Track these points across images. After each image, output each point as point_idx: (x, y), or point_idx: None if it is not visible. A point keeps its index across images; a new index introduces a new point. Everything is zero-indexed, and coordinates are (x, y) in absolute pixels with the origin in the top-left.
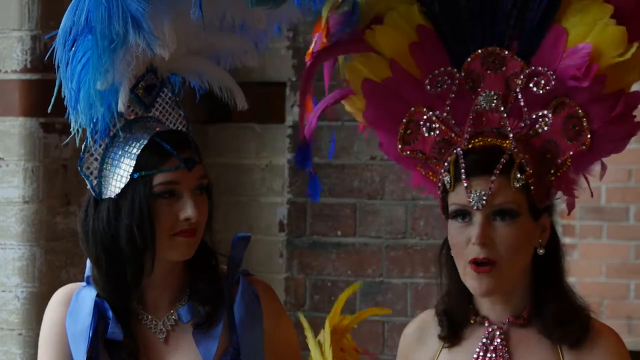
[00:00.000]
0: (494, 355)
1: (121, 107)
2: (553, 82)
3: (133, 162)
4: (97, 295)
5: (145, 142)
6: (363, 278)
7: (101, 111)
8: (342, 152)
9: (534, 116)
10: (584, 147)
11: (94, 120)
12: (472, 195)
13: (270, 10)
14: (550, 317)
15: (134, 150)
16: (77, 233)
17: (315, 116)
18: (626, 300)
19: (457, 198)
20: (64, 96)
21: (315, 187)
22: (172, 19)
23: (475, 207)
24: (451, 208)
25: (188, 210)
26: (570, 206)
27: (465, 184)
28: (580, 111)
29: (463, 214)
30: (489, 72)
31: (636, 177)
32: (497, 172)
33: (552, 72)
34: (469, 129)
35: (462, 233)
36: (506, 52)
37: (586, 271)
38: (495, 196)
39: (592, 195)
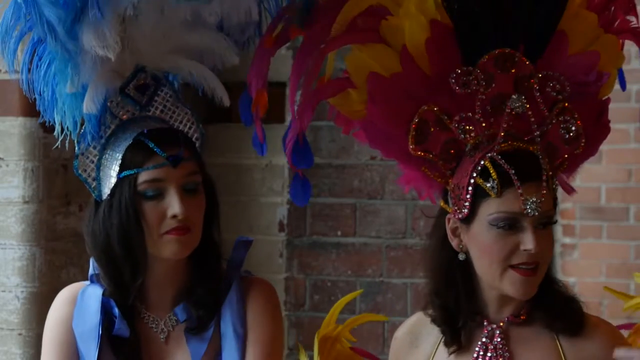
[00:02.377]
0: (494, 354)
1: (85, 108)
2: (569, 88)
3: (119, 162)
4: (103, 293)
5: (130, 141)
6: (363, 278)
7: (82, 115)
8: (342, 152)
9: (554, 121)
10: (577, 150)
11: (79, 124)
12: (528, 202)
13: (201, 5)
14: (551, 308)
15: (121, 150)
16: (77, 233)
17: (310, 110)
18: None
19: (506, 205)
20: (42, 104)
21: (299, 189)
22: (115, 22)
23: (531, 214)
24: (496, 216)
25: (175, 207)
26: None
27: (520, 191)
28: (576, 116)
29: (511, 221)
30: (499, 72)
31: (636, 177)
32: (545, 177)
33: (564, 77)
34: (502, 133)
35: (506, 240)
36: (519, 55)
37: (586, 271)
38: (544, 203)
39: (570, 194)
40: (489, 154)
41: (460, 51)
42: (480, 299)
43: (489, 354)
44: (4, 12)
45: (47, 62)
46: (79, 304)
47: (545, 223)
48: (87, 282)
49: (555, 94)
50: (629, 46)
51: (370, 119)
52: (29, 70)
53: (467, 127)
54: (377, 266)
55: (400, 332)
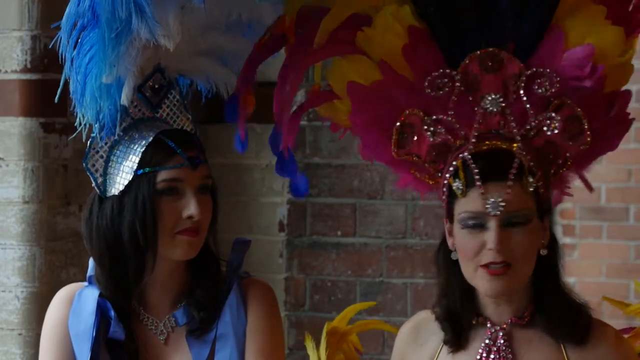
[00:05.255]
0: (497, 355)
1: (124, 100)
2: (558, 85)
3: (137, 159)
4: (100, 295)
5: (150, 139)
6: (363, 278)
7: (107, 106)
8: (342, 152)
9: (540, 118)
10: (584, 147)
11: (100, 116)
12: (489, 201)
13: (277, 4)
14: (554, 316)
15: (139, 148)
16: (77, 233)
17: (296, 122)
18: (626, 300)
19: (471, 205)
20: (71, 91)
21: (299, 184)
22: (178, 11)
23: (492, 214)
24: (462, 216)
25: (191, 208)
26: (557, 202)
27: (481, 190)
28: (580, 112)
29: (476, 220)
30: (487, 73)
31: (636, 177)
32: (512, 177)
33: (555, 74)
34: (475, 133)
35: (474, 239)
36: (504, 54)
37: (586, 271)
38: (511, 202)
39: (591, 191)
40: (461, 155)
41: (443, 54)
42: (478, 299)
43: (492, 356)
44: (72, 4)
45: (86, 51)
46: (75, 304)
47: (515, 223)
48: (85, 283)
49: (542, 91)
50: None
51: (354, 127)
52: (72, 58)
53: (437, 129)
54: (377, 266)
55: (406, 328)
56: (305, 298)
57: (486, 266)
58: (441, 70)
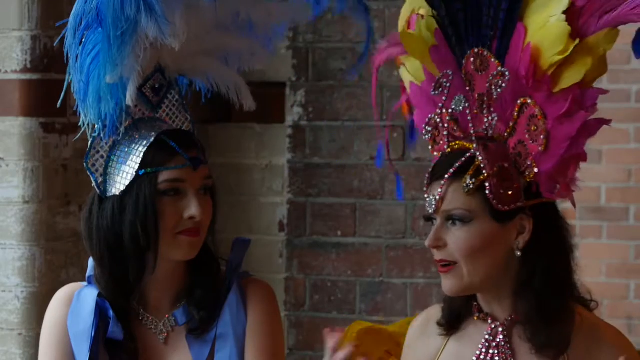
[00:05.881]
0: (496, 351)
1: (129, 100)
2: (504, 85)
3: (139, 159)
4: (99, 295)
5: (152, 139)
6: (363, 278)
7: (110, 106)
8: (342, 152)
9: (489, 118)
10: (540, 148)
11: (103, 116)
12: (428, 199)
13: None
14: (530, 325)
15: (140, 148)
16: (77, 233)
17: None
18: (626, 300)
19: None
20: (73, 91)
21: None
22: (184, 10)
23: (429, 211)
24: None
25: (192, 209)
26: (572, 204)
27: (424, 189)
28: (537, 111)
29: (427, 217)
30: (478, 73)
31: (636, 177)
32: (447, 176)
33: (507, 73)
34: (445, 133)
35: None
36: (486, 53)
37: (586, 271)
38: (445, 201)
39: (574, 207)
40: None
41: (454, 55)
42: (477, 294)
43: (491, 351)
44: (79, 2)
45: (90, 50)
46: (74, 304)
47: (455, 221)
48: (85, 283)
49: (494, 90)
50: (630, 45)
51: (417, 126)
52: (76, 57)
53: (427, 128)
54: (377, 266)
55: (417, 322)
56: (305, 298)
57: (437, 263)
58: (444, 72)
